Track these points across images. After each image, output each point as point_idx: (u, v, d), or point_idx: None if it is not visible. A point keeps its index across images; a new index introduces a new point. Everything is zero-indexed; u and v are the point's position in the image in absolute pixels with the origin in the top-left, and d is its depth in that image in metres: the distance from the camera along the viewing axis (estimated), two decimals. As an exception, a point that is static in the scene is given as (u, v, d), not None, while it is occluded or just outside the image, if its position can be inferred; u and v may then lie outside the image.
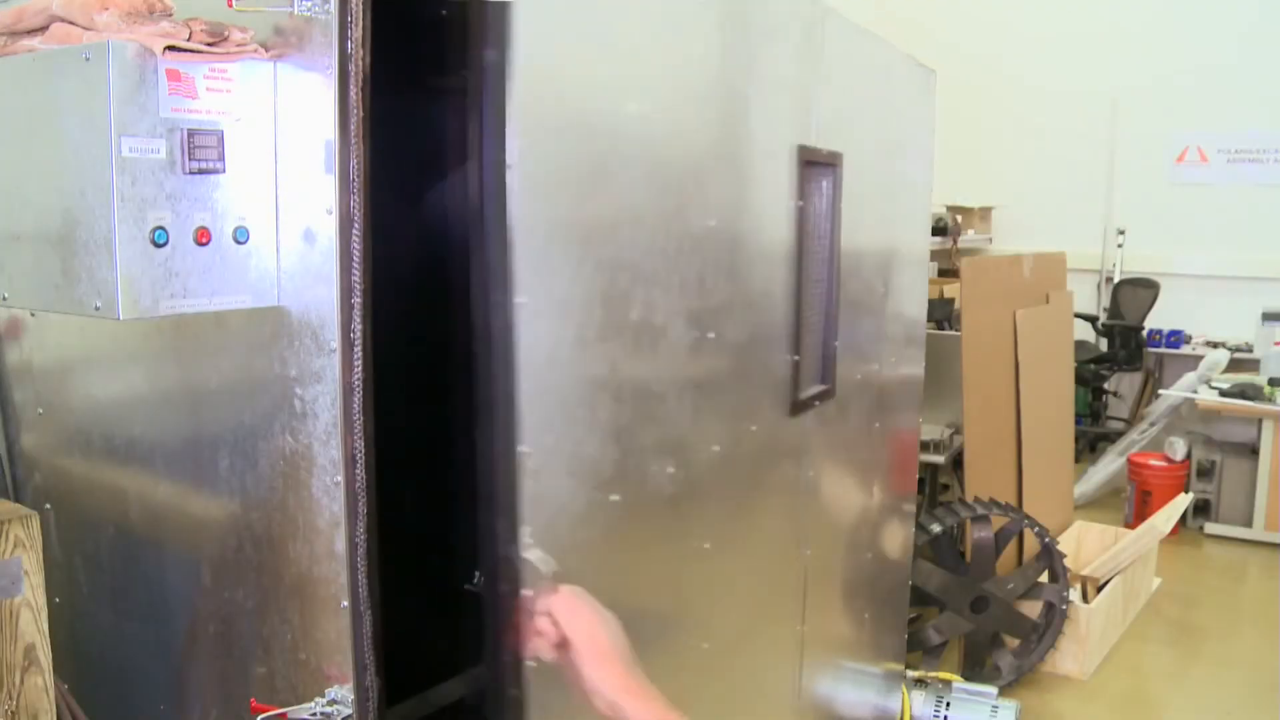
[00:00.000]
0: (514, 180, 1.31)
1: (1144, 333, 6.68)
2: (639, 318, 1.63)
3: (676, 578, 1.85)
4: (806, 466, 2.32)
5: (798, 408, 2.19)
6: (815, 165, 2.17)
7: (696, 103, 1.79)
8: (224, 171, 1.34)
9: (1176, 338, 6.81)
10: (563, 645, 1.25)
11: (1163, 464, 5.37)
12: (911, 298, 2.96)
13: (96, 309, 1.29)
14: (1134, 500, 5.38)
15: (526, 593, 1.32)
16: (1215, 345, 6.38)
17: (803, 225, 2.12)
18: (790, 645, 2.36)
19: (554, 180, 1.42)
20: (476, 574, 2.35)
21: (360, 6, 1.34)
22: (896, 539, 3.04)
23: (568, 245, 1.47)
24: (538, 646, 1.27)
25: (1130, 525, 4.96)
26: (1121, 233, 7.13)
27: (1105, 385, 6.83)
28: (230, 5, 1.33)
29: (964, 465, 3.92)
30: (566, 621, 1.25)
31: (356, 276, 1.38)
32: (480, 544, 1.36)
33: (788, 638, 2.35)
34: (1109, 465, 5.88)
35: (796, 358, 2.14)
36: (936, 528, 3.45)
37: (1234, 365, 5.97)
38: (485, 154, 1.31)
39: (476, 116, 1.33)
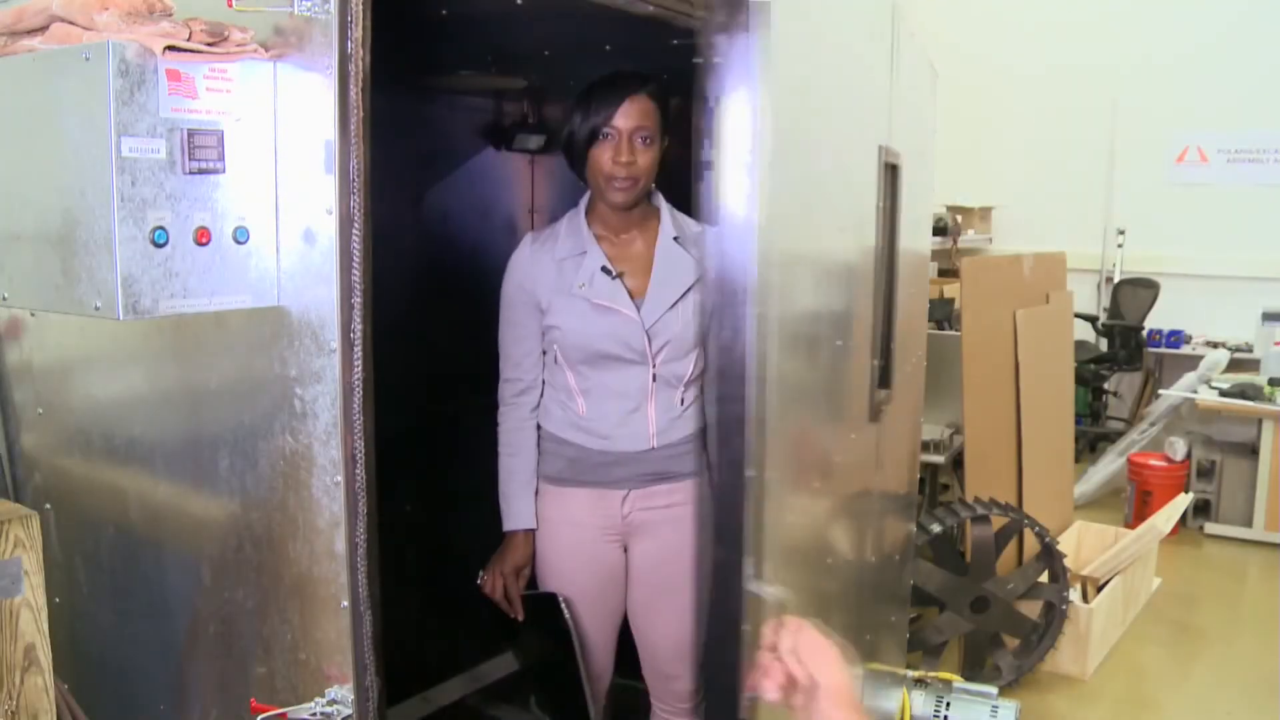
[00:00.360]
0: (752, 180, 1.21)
1: (1144, 333, 6.67)
2: (814, 329, 1.57)
3: (821, 598, 1.80)
4: (874, 472, 2.28)
5: (875, 412, 2.14)
6: (891, 167, 2.15)
7: (856, 99, 1.75)
8: (224, 171, 1.34)
9: (1176, 338, 6.80)
10: (795, 683, 1.18)
11: (1163, 464, 5.37)
12: (916, 298, 2.95)
13: (96, 309, 1.29)
14: (1134, 500, 5.37)
15: (746, 627, 1.24)
16: (1215, 345, 6.36)
17: (883, 228, 2.10)
18: (857, 657, 2.31)
19: (780, 180, 1.32)
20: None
21: (360, 6, 1.34)
22: (907, 539, 3.04)
23: (787, 251, 1.37)
24: (767, 685, 1.18)
25: (1130, 525, 4.95)
26: (1121, 233, 7.12)
27: (1105, 385, 6.82)
28: (230, 5, 1.33)
29: (964, 465, 3.91)
30: (802, 658, 1.18)
31: (356, 276, 1.38)
32: (716, 577, 1.26)
33: (858, 650, 2.30)
34: (1109, 465, 5.87)
35: (878, 361, 2.10)
36: (936, 528, 3.44)
37: (1234, 365, 5.96)
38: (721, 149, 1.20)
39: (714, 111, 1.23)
